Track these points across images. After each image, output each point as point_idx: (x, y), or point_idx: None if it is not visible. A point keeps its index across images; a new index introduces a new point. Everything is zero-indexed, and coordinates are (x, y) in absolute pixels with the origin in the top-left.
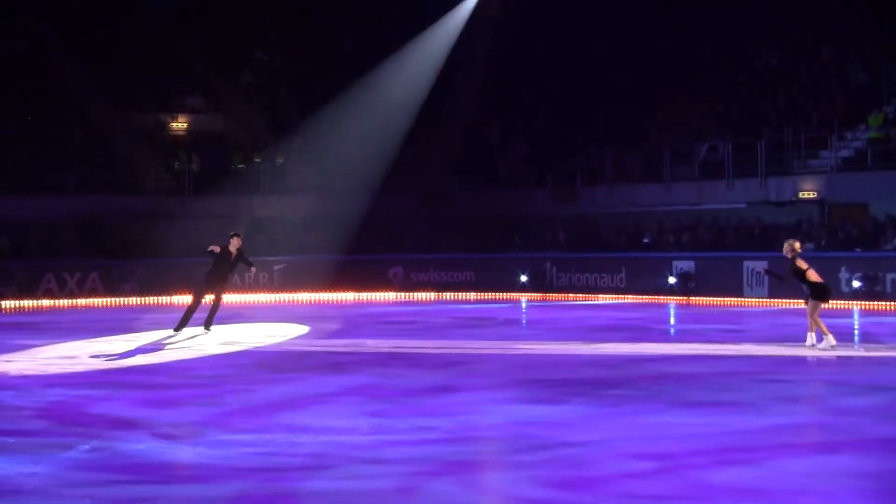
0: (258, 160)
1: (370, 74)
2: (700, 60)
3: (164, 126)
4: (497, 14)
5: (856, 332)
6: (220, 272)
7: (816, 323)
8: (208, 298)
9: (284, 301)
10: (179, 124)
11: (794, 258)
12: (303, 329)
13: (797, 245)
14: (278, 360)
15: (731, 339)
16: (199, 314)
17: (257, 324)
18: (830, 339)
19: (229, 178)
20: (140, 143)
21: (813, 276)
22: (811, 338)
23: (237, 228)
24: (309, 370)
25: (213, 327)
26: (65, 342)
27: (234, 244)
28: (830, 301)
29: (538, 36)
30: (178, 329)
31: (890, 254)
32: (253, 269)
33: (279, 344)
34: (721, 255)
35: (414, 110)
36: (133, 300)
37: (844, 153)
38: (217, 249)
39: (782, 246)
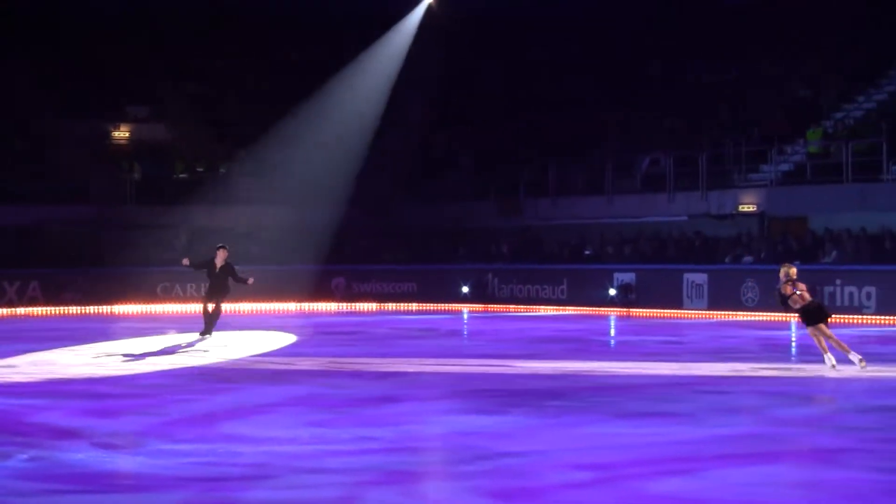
0: (201, 170)
1: (319, 86)
2: (644, 74)
3: (107, 135)
4: (444, 26)
5: (793, 344)
6: (212, 284)
7: (819, 343)
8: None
9: (226, 311)
10: (122, 133)
11: (784, 283)
12: (252, 338)
13: (791, 270)
14: (219, 371)
15: (671, 351)
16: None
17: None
18: (830, 359)
19: (172, 187)
20: (83, 151)
21: (798, 300)
22: (829, 359)
23: (223, 240)
24: (250, 380)
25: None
26: (4, 352)
27: (220, 256)
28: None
29: (483, 49)
30: (204, 334)
31: (828, 266)
32: (250, 280)
33: (221, 354)
34: (662, 267)
35: (362, 121)
36: (75, 309)
37: (784, 167)
38: (186, 262)
39: (723, 258)
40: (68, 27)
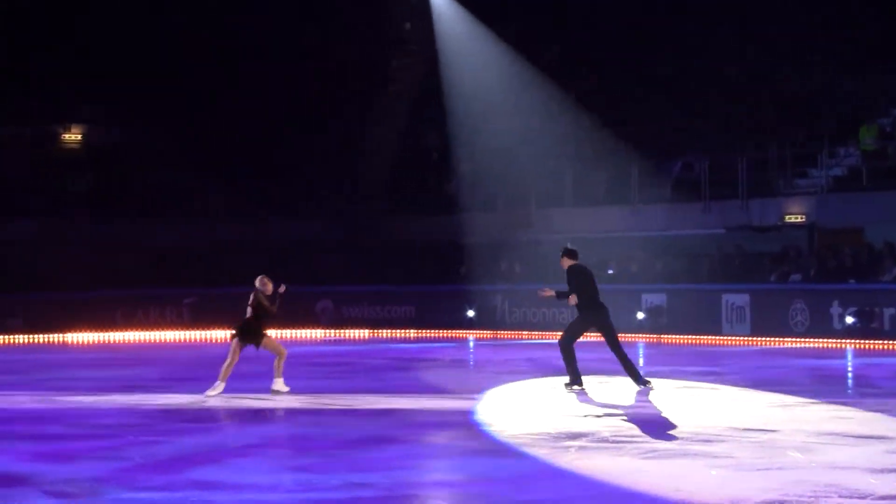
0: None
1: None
2: (675, 68)
3: (54, 139)
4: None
5: (849, 375)
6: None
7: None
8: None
9: (195, 339)
10: (72, 136)
11: None
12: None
13: None
14: (189, 408)
15: (708, 383)
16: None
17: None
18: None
19: (129, 199)
20: (24, 158)
21: None
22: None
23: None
24: (225, 419)
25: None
26: None
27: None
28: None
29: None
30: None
31: (888, 286)
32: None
33: (191, 387)
34: (697, 287)
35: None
36: (20, 338)
37: (836, 172)
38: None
39: (767, 277)
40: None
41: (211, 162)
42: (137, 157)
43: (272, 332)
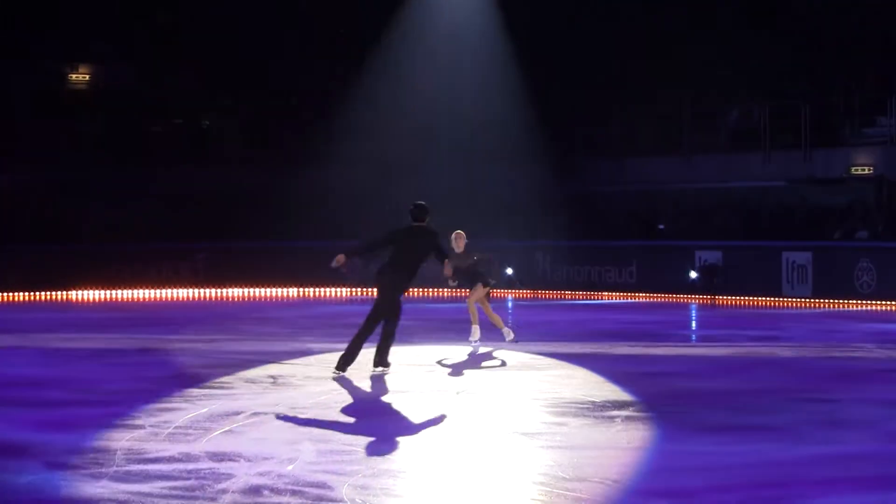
0: (179, 122)
1: None
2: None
3: (62, 79)
4: None
5: None
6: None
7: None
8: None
9: (209, 297)
10: (81, 77)
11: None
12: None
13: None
14: (203, 372)
15: (766, 349)
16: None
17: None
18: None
19: (143, 144)
20: (31, 101)
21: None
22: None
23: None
24: (242, 384)
25: None
26: None
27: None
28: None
29: None
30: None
31: None
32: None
33: (203, 351)
34: (755, 244)
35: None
36: (21, 295)
37: None
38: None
39: (832, 233)
40: None
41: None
42: (152, 99)
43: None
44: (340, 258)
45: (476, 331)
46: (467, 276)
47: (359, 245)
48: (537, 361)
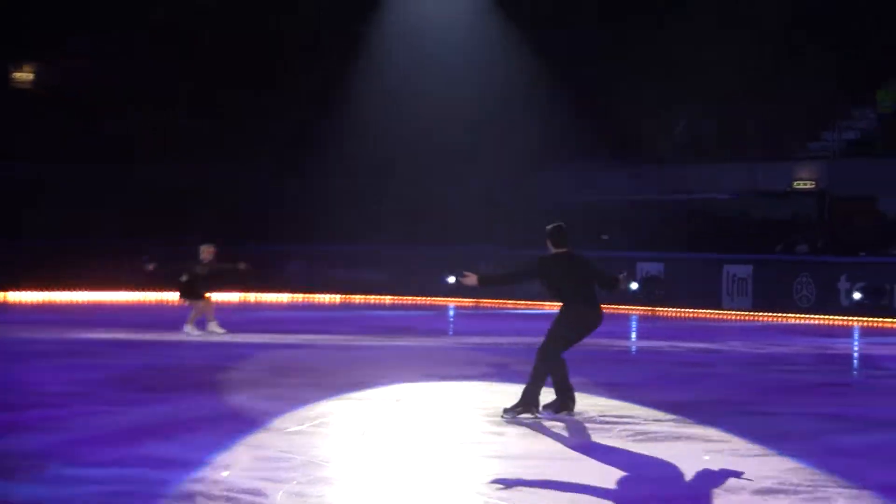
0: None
1: None
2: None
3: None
4: None
5: (855, 355)
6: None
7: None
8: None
9: (153, 301)
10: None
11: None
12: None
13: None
14: (141, 376)
15: (706, 361)
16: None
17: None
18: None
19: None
20: None
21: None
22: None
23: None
24: (179, 389)
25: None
26: None
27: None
28: None
29: None
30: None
31: None
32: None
33: (144, 354)
34: (697, 256)
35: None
36: None
37: (850, 135)
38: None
39: (773, 247)
40: None
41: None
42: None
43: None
44: (473, 280)
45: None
46: (202, 284)
47: (499, 274)
48: (479, 371)
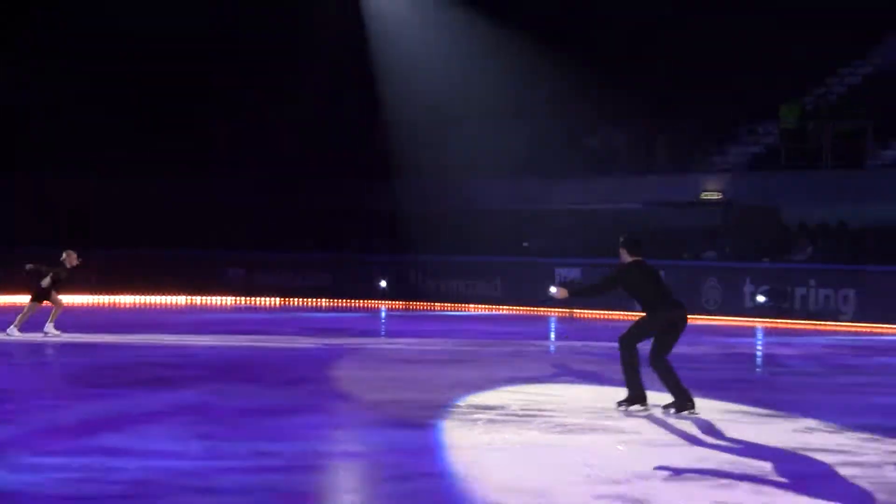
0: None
1: None
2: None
3: None
4: None
5: (758, 354)
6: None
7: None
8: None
9: (101, 304)
10: None
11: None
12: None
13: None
14: (94, 373)
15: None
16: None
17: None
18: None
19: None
20: None
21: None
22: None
23: None
24: (130, 385)
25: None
26: None
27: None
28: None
29: None
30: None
31: (801, 265)
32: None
33: (96, 353)
34: (611, 261)
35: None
36: None
37: (755, 149)
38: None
39: (681, 253)
40: None
41: (116, 114)
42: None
43: None
44: (563, 293)
45: (15, 330)
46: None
47: (586, 287)
48: (413, 365)
